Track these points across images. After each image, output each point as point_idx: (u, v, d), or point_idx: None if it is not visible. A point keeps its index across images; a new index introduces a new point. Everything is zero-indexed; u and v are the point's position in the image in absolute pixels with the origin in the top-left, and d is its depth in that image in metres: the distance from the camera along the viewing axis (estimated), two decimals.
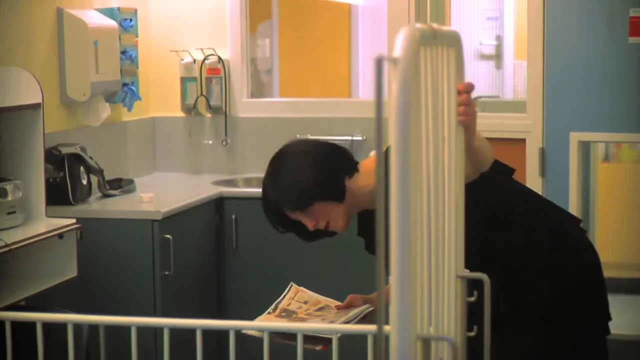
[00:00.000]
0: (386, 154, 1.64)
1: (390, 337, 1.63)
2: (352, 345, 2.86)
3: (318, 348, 2.79)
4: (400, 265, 1.65)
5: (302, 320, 2.89)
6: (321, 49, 7.17)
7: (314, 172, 2.81)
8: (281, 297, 3.04)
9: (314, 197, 2.79)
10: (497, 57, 7.56)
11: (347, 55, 7.43)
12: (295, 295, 3.03)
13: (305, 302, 3.01)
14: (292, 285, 3.09)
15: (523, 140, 4.71)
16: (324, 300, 3.03)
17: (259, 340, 2.76)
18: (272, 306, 2.99)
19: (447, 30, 2.04)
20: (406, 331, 1.63)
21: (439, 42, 1.97)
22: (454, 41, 2.09)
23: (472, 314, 2.17)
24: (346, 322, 2.87)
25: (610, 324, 2.85)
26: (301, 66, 7.13)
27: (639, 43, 4.43)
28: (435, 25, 1.92)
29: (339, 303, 3.01)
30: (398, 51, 1.67)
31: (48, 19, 4.50)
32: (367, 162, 2.91)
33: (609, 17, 4.46)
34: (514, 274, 2.76)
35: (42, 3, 4.47)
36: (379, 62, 1.58)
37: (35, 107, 3.75)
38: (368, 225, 2.88)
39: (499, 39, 7.91)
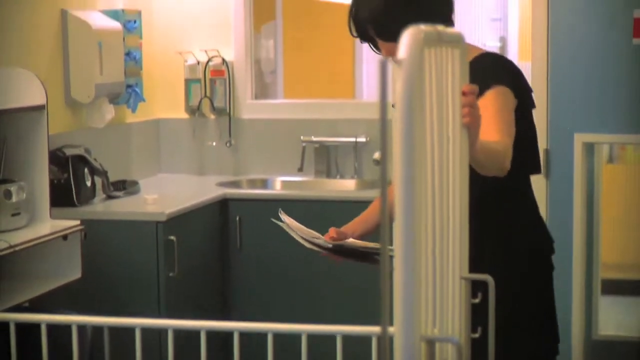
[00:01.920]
0: None
1: (395, 338, 1.63)
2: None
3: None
4: (405, 266, 1.65)
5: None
6: (325, 50, 7.17)
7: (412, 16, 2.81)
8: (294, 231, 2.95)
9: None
10: None
11: (351, 56, 7.43)
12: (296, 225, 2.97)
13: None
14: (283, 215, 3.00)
15: None
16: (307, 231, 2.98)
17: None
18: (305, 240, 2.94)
19: (451, 31, 2.04)
20: (411, 332, 1.63)
21: (443, 43, 1.96)
22: (458, 42, 2.09)
23: (477, 316, 2.17)
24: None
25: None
26: (305, 67, 7.13)
27: None
28: (439, 27, 1.92)
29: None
30: (402, 53, 1.67)
31: (52, 21, 4.50)
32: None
33: (613, 18, 4.46)
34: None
35: (47, 4, 4.47)
36: (383, 64, 1.58)
37: (40, 108, 3.76)
38: None
39: (502, 40, 7.92)
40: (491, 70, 2.91)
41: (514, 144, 2.78)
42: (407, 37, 1.70)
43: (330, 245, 2.78)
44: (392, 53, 2.78)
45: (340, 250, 2.83)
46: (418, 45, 1.71)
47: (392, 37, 2.64)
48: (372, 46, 3.02)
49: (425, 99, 1.84)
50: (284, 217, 2.95)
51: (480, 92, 2.68)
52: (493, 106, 2.80)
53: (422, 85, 1.79)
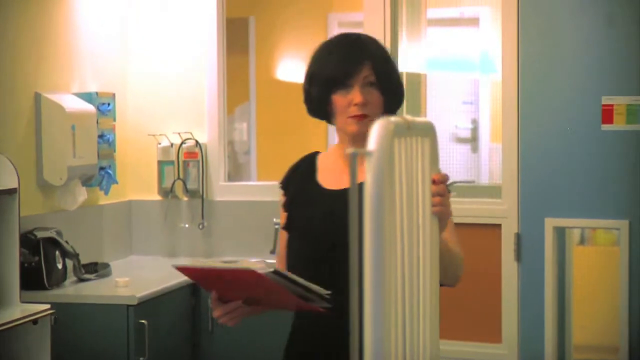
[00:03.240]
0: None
1: None
2: None
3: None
4: (375, 355, 1.65)
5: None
6: (298, 131, 7.22)
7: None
8: None
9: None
10: (473, 140, 7.63)
11: (324, 137, 7.48)
12: None
13: None
14: None
15: (499, 226, 4.73)
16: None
17: None
18: None
19: (421, 121, 2.06)
20: None
21: (413, 133, 1.99)
22: (427, 131, 2.11)
23: None
24: None
25: None
26: (279, 149, 7.16)
27: (611, 130, 4.48)
28: (409, 117, 1.94)
29: None
30: (372, 144, 1.69)
31: (26, 103, 4.52)
32: None
33: (582, 104, 4.52)
34: None
35: (20, 87, 4.49)
36: (353, 156, 1.60)
37: (12, 192, 3.76)
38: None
39: (474, 122, 7.99)
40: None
41: None
42: (377, 128, 1.73)
43: (272, 269, 2.44)
44: (344, 105, 2.69)
45: (282, 277, 2.46)
46: (388, 136, 1.74)
47: (393, 88, 2.71)
48: (315, 110, 2.79)
49: (395, 188, 1.86)
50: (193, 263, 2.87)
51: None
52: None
53: (392, 174, 1.81)
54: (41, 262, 4.31)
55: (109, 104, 5.02)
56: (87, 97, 4.87)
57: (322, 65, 2.72)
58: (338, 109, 2.71)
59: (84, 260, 4.71)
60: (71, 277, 4.58)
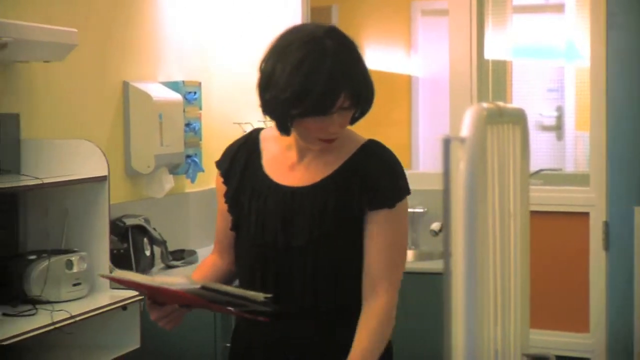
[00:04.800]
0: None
1: None
2: None
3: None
4: (468, 344, 1.65)
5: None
6: (381, 121, 7.21)
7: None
8: None
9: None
10: (558, 128, 7.54)
11: (407, 126, 7.45)
12: None
13: None
14: None
15: (586, 214, 4.68)
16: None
17: None
18: None
19: (512, 108, 2.05)
20: None
21: (504, 120, 1.97)
22: (519, 118, 2.10)
23: None
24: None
25: None
26: (362, 133, 7.16)
27: None
28: (501, 104, 1.93)
29: None
30: (465, 131, 1.68)
31: (114, 92, 4.58)
32: None
33: None
34: None
35: (109, 76, 4.55)
36: (446, 142, 1.59)
37: (102, 179, 3.80)
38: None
39: (559, 109, 7.90)
40: (403, 177, 2.62)
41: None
42: (471, 115, 1.71)
43: (199, 286, 2.32)
44: (316, 130, 2.48)
45: (211, 291, 2.35)
46: (481, 122, 1.72)
47: (366, 100, 2.49)
48: (283, 125, 2.53)
49: (488, 176, 1.85)
50: (118, 275, 2.75)
51: (389, 205, 2.52)
52: (397, 233, 2.56)
53: (485, 162, 1.80)
54: (130, 249, 4.37)
55: (195, 93, 5.06)
56: (174, 85, 4.92)
57: (296, 89, 2.40)
58: (308, 131, 2.49)
59: (171, 247, 4.76)
60: (159, 264, 4.63)
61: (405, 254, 2.59)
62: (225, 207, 2.66)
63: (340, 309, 2.53)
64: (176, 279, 2.39)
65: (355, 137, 2.64)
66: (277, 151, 2.64)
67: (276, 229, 2.54)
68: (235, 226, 2.63)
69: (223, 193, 2.66)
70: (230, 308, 2.45)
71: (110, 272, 3.74)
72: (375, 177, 2.55)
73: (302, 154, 2.59)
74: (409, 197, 2.59)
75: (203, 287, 2.32)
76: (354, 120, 2.56)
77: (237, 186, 2.63)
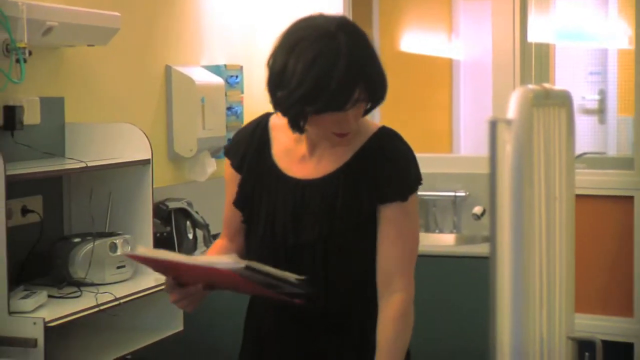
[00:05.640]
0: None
1: None
2: None
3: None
4: (514, 324, 1.65)
5: None
6: (423, 104, 7.19)
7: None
8: None
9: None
10: (600, 111, 7.49)
11: (448, 110, 7.43)
12: None
13: None
14: None
15: (631, 198, 4.65)
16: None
17: None
18: None
19: (558, 90, 2.04)
20: None
21: (550, 103, 1.96)
22: (565, 101, 2.09)
23: None
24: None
25: None
26: (403, 121, 7.15)
27: None
28: (547, 86, 1.92)
29: None
30: (512, 113, 1.68)
31: (157, 76, 4.60)
32: None
33: None
34: None
35: (152, 60, 4.57)
36: (493, 125, 1.59)
37: (145, 163, 3.83)
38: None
39: (602, 93, 7.84)
40: (415, 166, 2.56)
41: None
42: (517, 97, 1.71)
43: (243, 265, 2.28)
44: (333, 126, 2.44)
45: (254, 271, 2.33)
46: (527, 105, 1.72)
47: (380, 93, 2.45)
48: (296, 123, 2.46)
49: (534, 158, 1.84)
50: (140, 251, 2.60)
51: (400, 197, 2.48)
52: (410, 225, 2.51)
53: (531, 144, 1.79)
54: (173, 232, 4.39)
55: (237, 77, 5.07)
56: (216, 69, 4.93)
57: (310, 86, 2.36)
58: (323, 126, 2.45)
59: (214, 230, 4.78)
60: (201, 247, 4.65)
61: (417, 245, 2.53)
62: (234, 196, 2.62)
63: (351, 303, 2.51)
64: (221, 258, 2.37)
65: (366, 127, 2.57)
66: (287, 142, 2.59)
67: (286, 225, 2.51)
68: (246, 220, 2.61)
69: (233, 181, 2.63)
70: (266, 291, 2.42)
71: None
72: (386, 169, 2.50)
73: (312, 146, 2.55)
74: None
75: (247, 267, 2.29)
76: (366, 112, 2.51)
77: (248, 178, 2.60)
